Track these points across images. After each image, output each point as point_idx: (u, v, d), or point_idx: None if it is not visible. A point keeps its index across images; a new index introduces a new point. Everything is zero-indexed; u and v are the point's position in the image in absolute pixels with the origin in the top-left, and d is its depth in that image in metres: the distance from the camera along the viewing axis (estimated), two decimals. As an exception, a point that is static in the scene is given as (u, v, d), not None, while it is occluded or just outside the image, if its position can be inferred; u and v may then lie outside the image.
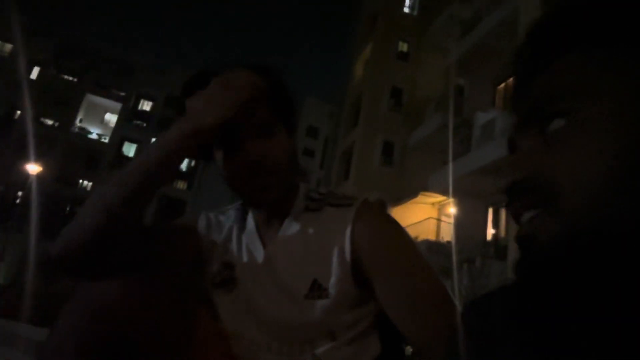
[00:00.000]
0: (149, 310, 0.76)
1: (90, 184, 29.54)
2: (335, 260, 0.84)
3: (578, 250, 0.35)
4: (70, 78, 30.84)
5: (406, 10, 17.63)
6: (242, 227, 0.97)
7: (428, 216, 13.00)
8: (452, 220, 11.90)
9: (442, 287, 0.81)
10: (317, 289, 0.84)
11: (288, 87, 0.91)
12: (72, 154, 28.84)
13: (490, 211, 10.98)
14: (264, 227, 0.94)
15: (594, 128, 0.36)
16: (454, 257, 9.70)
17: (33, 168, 17.13)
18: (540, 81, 0.42)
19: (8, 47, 29.29)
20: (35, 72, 29.77)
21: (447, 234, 12.47)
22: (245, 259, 0.93)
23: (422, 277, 0.82)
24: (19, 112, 28.57)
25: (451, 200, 11.68)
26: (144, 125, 32.10)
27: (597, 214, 0.35)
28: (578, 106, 0.38)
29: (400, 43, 16.80)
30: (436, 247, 10.91)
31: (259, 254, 0.92)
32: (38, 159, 18.43)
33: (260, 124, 0.84)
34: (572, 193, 0.36)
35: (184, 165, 33.05)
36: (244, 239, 0.95)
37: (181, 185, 32.37)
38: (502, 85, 11.84)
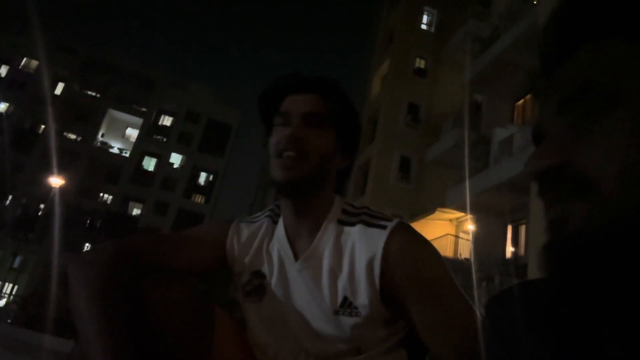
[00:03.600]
0: (170, 311, 0.80)
1: (111, 197, 29.99)
2: (364, 282, 0.85)
3: (614, 236, 0.35)
4: (93, 94, 31.60)
5: (423, 26, 17.70)
6: (271, 235, 0.99)
7: (445, 233, 12.85)
8: (470, 237, 11.75)
9: (474, 314, 0.82)
10: (347, 307, 0.86)
11: (353, 106, 1.00)
12: (93, 168, 29.41)
13: (510, 228, 10.82)
14: (294, 235, 0.95)
15: (632, 116, 0.36)
16: (473, 275, 9.55)
17: (56, 181, 17.49)
18: (573, 68, 0.41)
19: (34, 63, 30.20)
20: (59, 88, 30.58)
21: (465, 251, 12.30)
22: (276, 269, 0.94)
23: (455, 304, 0.83)
24: (43, 126, 29.31)
25: (469, 216, 11.54)
26: (164, 140, 32.60)
27: (635, 201, 0.34)
28: (615, 94, 0.37)
29: (418, 59, 16.86)
30: (454, 265, 10.76)
31: (291, 265, 0.93)
32: (61, 172, 18.82)
33: (311, 113, 0.92)
34: (610, 181, 0.35)
35: (201, 179, 33.37)
36: (274, 248, 0.97)
37: (199, 199, 32.66)
38: (521, 101, 11.76)
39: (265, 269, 0.96)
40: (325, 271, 0.89)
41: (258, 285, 0.95)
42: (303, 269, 0.91)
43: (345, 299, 0.86)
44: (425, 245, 0.88)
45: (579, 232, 0.36)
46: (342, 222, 0.92)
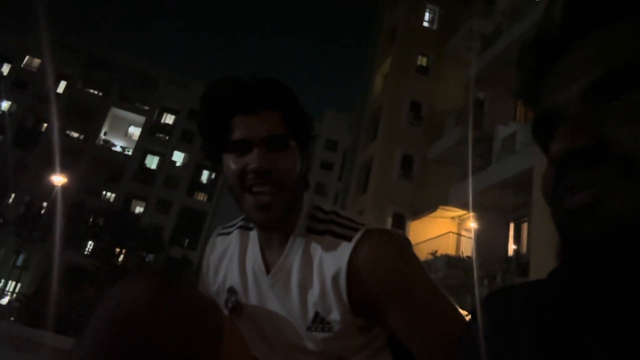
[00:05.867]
0: (176, 317, 0.77)
1: (114, 195, 30.06)
2: (333, 297, 0.82)
3: None
4: (96, 92, 31.64)
5: (425, 24, 17.64)
6: (245, 246, 0.97)
7: (447, 230, 12.84)
8: (472, 235, 11.74)
9: (456, 313, 0.80)
10: (319, 322, 0.84)
11: (304, 109, 0.90)
12: (96, 166, 29.46)
13: (512, 226, 10.80)
14: (267, 247, 0.92)
15: None
16: (475, 273, 9.54)
17: (59, 179, 17.52)
18: (603, 47, 0.38)
19: (37, 62, 30.25)
20: (61, 86, 30.63)
21: (467, 248, 12.29)
22: (251, 282, 0.92)
23: (432, 305, 0.81)
24: (45, 125, 29.38)
25: (471, 214, 11.53)
26: (167, 138, 32.65)
27: None
28: None
29: (420, 57, 16.81)
30: (455, 262, 10.75)
31: (263, 279, 0.90)
32: (63, 170, 18.86)
33: (273, 136, 0.83)
34: None
35: (204, 178, 33.42)
36: (248, 261, 0.94)
37: (201, 197, 32.71)
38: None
39: (238, 283, 0.94)
40: (295, 286, 0.86)
41: (235, 301, 0.93)
42: (274, 284, 0.88)
43: (317, 314, 0.84)
44: (395, 250, 0.83)
45: (620, 216, 0.33)
46: (311, 231, 0.88)
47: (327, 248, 0.84)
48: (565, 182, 0.37)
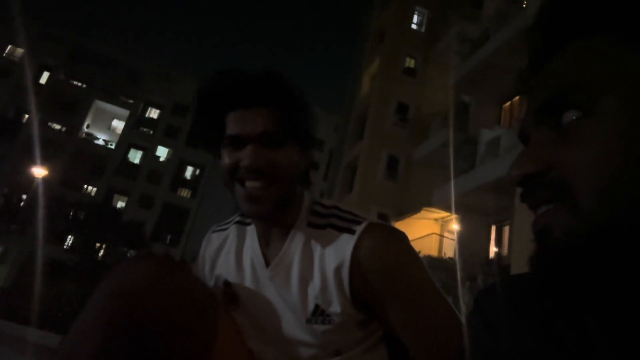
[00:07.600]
0: (176, 299, 0.78)
1: (95, 189, 29.63)
2: (335, 290, 0.83)
3: (594, 246, 0.35)
4: (79, 84, 31.11)
5: (414, 26, 17.75)
6: (242, 240, 0.96)
7: (431, 232, 12.94)
8: (454, 237, 11.85)
9: (452, 312, 0.81)
10: (319, 315, 0.84)
11: (305, 105, 0.88)
12: (78, 159, 28.98)
13: (493, 229, 10.94)
14: (267, 240, 0.92)
15: (609, 122, 0.35)
16: (458, 274, 9.64)
17: (39, 172, 17.20)
18: (553, 70, 0.40)
19: (19, 51, 29.63)
20: (44, 77, 30.06)
21: (450, 250, 12.41)
22: (249, 275, 0.92)
23: (431, 303, 0.81)
24: (27, 116, 28.81)
25: (454, 216, 11.64)
26: (151, 132, 32.27)
27: (612, 209, 0.34)
28: (592, 99, 0.36)
29: (407, 59, 16.91)
30: (438, 263, 10.84)
31: (262, 272, 0.90)
32: (44, 162, 18.51)
33: (268, 133, 0.82)
34: (586, 188, 0.35)
35: (188, 173, 33.13)
36: (246, 254, 0.94)
37: (185, 193, 32.41)
38: (508, 103, 11.88)
39: (234, 277, 0.94)
40: (295, 279, 0.86)
41: (231, 294, 0.93)
42: (274, 276, 0.88)
43: (317, 307, 0.84)
44: (397, 245, 0.84)
45: (560, 242, 0.37)
46: (311, 225, 0.88)
47: (329, 241, 0.85)
48: (523, 202, 0.41)
